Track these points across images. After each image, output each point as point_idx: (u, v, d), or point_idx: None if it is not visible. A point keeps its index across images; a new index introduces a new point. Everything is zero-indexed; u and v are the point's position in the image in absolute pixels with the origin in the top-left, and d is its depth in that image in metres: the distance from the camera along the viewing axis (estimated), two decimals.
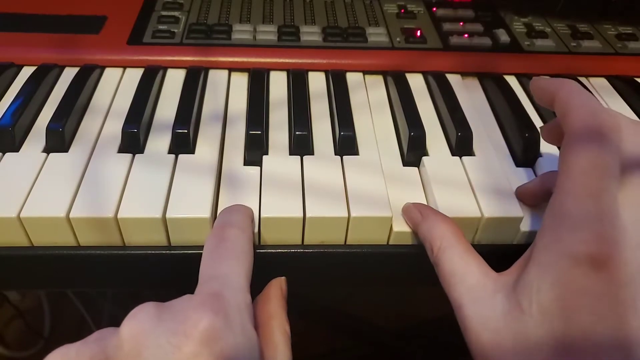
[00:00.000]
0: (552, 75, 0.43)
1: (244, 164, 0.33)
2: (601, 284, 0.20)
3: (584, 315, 0.20)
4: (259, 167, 0.32)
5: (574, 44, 0.45)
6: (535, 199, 0.31)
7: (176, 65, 0.41)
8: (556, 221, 0.22)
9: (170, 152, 0.33)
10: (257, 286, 0.26)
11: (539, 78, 0.28)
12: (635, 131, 0.23)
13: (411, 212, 0.29)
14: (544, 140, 0.30)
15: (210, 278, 0.23)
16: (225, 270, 0.23)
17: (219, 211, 0.28)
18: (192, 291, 0.22)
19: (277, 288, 0.27)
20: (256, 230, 0.29)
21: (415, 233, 0.29)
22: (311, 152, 0.34)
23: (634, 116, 0.40)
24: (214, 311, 0.20)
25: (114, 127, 0.34)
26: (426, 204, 0.31)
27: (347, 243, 0.31)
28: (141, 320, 0.20)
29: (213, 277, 0.23)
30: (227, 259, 0.24)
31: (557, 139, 0.28)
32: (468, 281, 0.25)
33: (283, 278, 0.28)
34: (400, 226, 0.30)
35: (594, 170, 0.22)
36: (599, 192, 0.21)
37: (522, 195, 0.31)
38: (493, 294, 0.23)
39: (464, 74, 0.43)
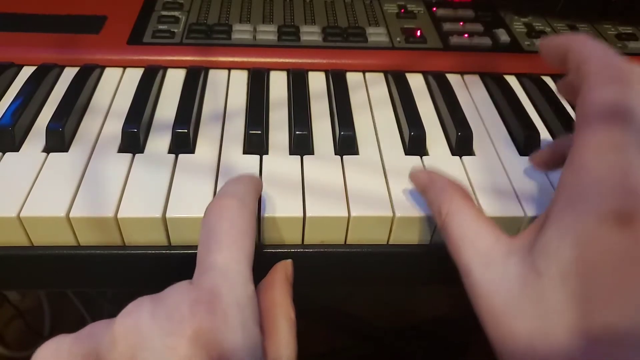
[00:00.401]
0: (552, 76, 0.43)
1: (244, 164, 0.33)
2: (626, 241, 0.18)
3: (607, 275, 0.18)
4: (259, 167, 0.32)
5: None
6: (553, 163, 0.30)
7: (176, 65, 0.41)
8: (575, 176, 0.20)
9: (170, 151, 0.33)
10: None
11: (548, 37, 0.26)
12: None
13: (419, 176, 0.28)
14: (561, 94, 0.28)
15: (208, 267, 0.21)
16: (224, 259, 0.21)
17: None
18: None
19: (281, 273, 0.26)
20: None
21: (422, 194, 0.28)
22: (311, 152, 0.34)
23: None
24: (211, 311, 0.19)
25: (114, 127, 0.34)
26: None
27: (347, 243, 0.31)
28: (136, 319, 0.19)
29: (211, 267, 0.21)
30: (226, 244, 0.22)
31: (573, 93, 0.26)
32: (478, 245, 0.23)
33: (289, 261, 0.26)
34: (403, 212, 0.30)
35: (615, 120, 0.20)
36: (622, 143, 0.20)
37: (537, 161, 0.30)
38: (506, 257, 0.22)
39: (464, 74, 0.43)
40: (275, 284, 0.25)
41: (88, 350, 0.19)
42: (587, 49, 0.24)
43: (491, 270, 0.22)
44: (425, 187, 0.28)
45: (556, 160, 0.29)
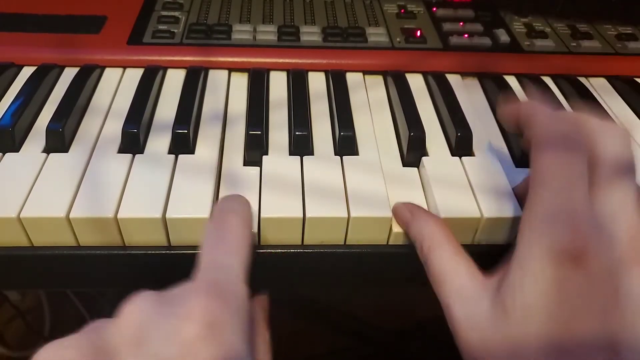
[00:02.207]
0: (551, 76, 0.43)
1: (244, 164, 0.33)
2: (580, 278, 0.21)
3: (567, 311, 0.20)
4: (258, 167, 0.32)
5: (574, 44, 0.45)
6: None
7: (176, 65, 0.41)
8: (531, 219, 0.23)
9: (170, 152, 0.33)
10: (256, 286, 0.26)
11: (502, 106, 0.29)
12: (601, 129, 0.24)
13: (401, 211, 0.30)
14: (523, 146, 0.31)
15: (212, 265, 0.23)
16: (226, 262, 0.23)
17: None
18: None
19: (259, 301, 0.27)
20: (256, 230, 0.29)
21: (406, 233, 0.30)
22: (311, 152, 0.34)
23: (634, 116, 0.40)
24: (215, 297, 0.20)
25: (114, 127, 0.35)
26: (424, 204, 0.31)
27: (347, 243, 0.31)
28: (141, 305, 0.20)
29: (213, 267, 0.22)
30: (228, 251, 0.24)
31: None
32: (456, 282, 0.25)
33: (265, 295, 0.28)
34: (400, 227, 0.30)
35: (562, 168, 0.23)
36: (569, 187, 0.22)
37: (518, 196, 0.31)
38: (479, 295, 0.24)
39: (464, 74, 0.43)
40: (254, 307, 0.26)
41: (95, 341, 0.20)
42: (533, 107, 0.26)
43: (467, 307, 0.24)
44: (408, 222, 0.29)
45: None
